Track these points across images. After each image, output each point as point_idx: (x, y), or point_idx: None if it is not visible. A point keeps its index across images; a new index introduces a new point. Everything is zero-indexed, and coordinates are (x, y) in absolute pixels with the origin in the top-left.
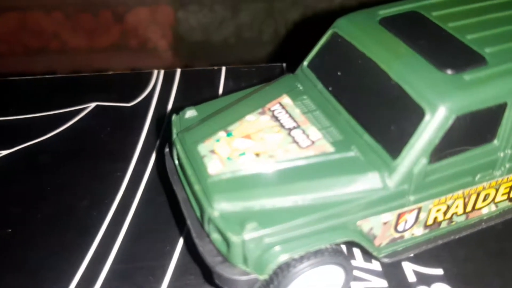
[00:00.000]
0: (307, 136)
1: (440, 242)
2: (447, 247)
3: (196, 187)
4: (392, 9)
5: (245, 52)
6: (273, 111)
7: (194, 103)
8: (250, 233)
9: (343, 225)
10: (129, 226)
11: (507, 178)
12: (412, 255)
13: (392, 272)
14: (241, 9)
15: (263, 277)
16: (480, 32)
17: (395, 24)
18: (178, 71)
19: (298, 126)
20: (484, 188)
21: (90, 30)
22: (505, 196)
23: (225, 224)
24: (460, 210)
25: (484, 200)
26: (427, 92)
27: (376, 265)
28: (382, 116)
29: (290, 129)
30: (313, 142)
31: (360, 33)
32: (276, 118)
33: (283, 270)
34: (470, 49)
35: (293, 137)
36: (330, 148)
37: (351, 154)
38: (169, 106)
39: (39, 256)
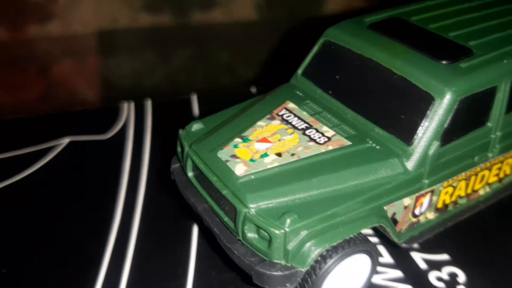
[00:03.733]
0: (322, 134)
1: (449, 224)
2: (446, 234)
3: (225, 192)
4: (375, 17)
5: (179, 95)
6: (281, 115)
7: (174, 129)
8: (291, 225)
9: (372, 211)
10: (134, 252)
11: (497, 159)
12: (426, 238)
13: (403, 262)
14: (172, 55)
15: (305, 268)
16: (459, 30)
17: (383, 28)
18: (149, 102)
19: (311, 126)
20: (480, 170)
21: (12, 85)
22: (496, 178)
23: (264, 220)
24: (462, 192)
25: (481, 181)
26: (432, 81)
27: (387, 258)
28: (389, 108)
29: (303, 129)
30: (329, 139)
31: (354, 38)
32: (286, 121)
33: (320, 262)
34: (457, 43)
35: (309, 136)
36: (347, 142)
37: (368, 145)
38: (148, 135)
39: None
